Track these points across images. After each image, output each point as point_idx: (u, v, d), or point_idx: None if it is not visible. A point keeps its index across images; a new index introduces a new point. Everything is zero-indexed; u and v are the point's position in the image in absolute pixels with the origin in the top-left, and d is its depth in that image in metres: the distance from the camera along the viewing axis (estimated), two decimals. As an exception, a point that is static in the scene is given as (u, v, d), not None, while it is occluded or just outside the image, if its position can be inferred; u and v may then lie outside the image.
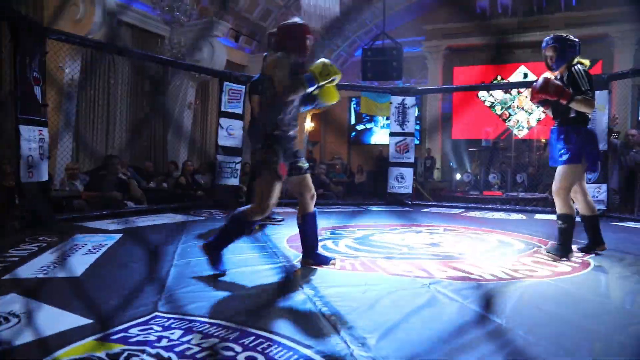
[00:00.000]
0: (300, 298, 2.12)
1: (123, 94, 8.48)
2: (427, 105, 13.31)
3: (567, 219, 3.10)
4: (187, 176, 7.59)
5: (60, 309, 1.87)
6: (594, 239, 3.25)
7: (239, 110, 6.49)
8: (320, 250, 2.99)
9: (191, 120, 9.64)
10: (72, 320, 1.75)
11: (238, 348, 1.52)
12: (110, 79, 8.21)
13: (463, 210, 6.64)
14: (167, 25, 8.93)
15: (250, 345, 1.54)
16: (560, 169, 3.13)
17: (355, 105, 13.89)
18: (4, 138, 5.12)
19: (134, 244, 3.43)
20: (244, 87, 6.52)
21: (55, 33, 4.70)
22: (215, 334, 1.63)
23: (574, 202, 3.27)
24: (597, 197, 5.89)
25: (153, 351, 1.49)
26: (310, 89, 2.57)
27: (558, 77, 3.18)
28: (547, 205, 6.52)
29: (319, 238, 3.80)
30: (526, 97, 12.03)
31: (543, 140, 10.90)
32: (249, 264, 2.81)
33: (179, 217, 4.97)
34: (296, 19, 2.79)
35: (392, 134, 7.35)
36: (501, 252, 3.37)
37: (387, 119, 7.77)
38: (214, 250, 2.58)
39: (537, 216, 5.90)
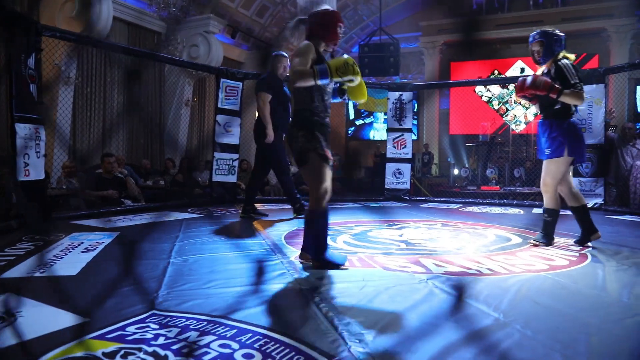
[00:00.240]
0: (297, 294, 2.11)
1: (120, 92, 8.45)
2: (424, 100, 13.30)
3: (552, 213, 3.27)
4: (184, 174, 7.59)
5: (56, 308, 1.86)
6: (587, 229, 3.29)
7: (236, 107, 6.48)
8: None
9: (188, 117, 9.63)
10: (68, 319, 1.74)
11: (235, 345, 1.51)
12: (106, 76, 8.18)
13: (461, 205, 6.65)
14: (164, 22, 8.90)
15: (247, 342, 1.54)
16: (546, 163, 3.24)
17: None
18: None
19: (130, 242, 3.43)
20: (240, 83, 6.51)
21: (50, 30, 4.68)
22: (212, 331, 1.63)
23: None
24: (594, 190, 5.91)
25: (150, 349, 1.48)
26: (321, 82, 2.53)
27: (545, 71, 3.24)
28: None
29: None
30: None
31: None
32: (247, 261, 2.80)
33: (176, 215, 4.96)
34: (327, 6, 2.76)
35: (389, 130, 7.35)
36: (498, 246, 3.37)
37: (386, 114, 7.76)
38: (320, 255, 2.61)
39: (535, 210, 5.91)
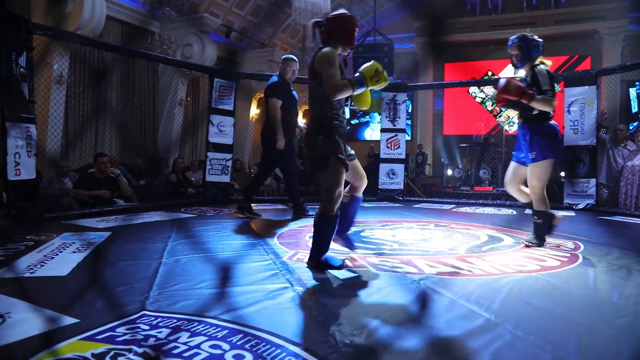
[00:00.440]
0: (289, 295, 2.11)
1: (113, 91, 8.41)
2: (418, 101, 13.33)
3: (542, 215, 3.34)
4: (177, 173, 7.56)
5: (46, 309, 1.84)
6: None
7: (230, 107, 6.46)
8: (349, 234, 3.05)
9: (182, 116, 9.59)
10: (57, 319, 1.73)
11: (226, 346, 1.51)
12: (99, 75, 8.13)
13: (454, 205, 6.66)
14: (158, 20, 8.87)
15: (238, 343, 1.53)
16: (532, 167, 3.29)
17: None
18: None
19: (123, 242, 3.40)
20: (234, 83, 6.48)
21: (41, 28, 4.64)
22: (203, 332, 1.62)
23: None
24: (586, 191, 5.95)
25: (140, 350, 1.47)
26: (357, 92, 2.57)
27: (524, 77, 3.36)
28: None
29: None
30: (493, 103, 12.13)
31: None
32: (239, 261, 2.79)
33: (169, 215, 4.94)
34: (343, 10, 2.77)
35: (383, 130, 7.36)
36: (491, 247, 3.38)
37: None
38: (319, 256, 2.62)
39: (528, 211, 5.91)
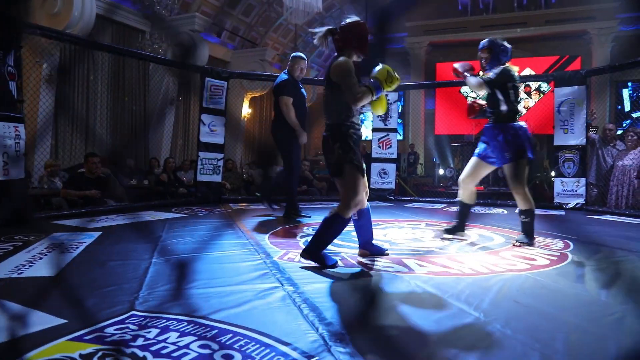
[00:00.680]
0: (279, 295, 2.10)
1: (103, 90, 8.35)
2: (410, 101, 13.37)
3: (528, 213, 3.39)
4: (169, 173, 7.52)
5: (33, 309, 1.82)
6: (460, 224, 3.66)
7: (221, 107, 6.44)
8: (374, 242, 3.04)
9: (173, 116, 9.55)
10: (45, 320, 1.71)
11: (215, 346, 1.50)
12: (89, 74, 8.08)
13: (445, 205, 6.69)
14: (148, 20, 8.81)
15: (227, 343, 1.53)
16: (508, 167, 3.36)
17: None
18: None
19: (112, 242, 3.38)
20: (225, 82, 6.47)
21: (30, 27, 4.60)
22: (192, 332, 1.61)
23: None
24: (576, 191, 5.99)
25: (128, 350, 1.46)
26: (376, 97, 2.62)
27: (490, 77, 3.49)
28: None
29: (307, 233, 3.80)
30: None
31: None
32: (229, 261, 2.78)
33: (160, 215, 4.91)
34: (356, 17, 2.79)
35: (374, 130, 7.37)
36: (482, 246, 3.40)
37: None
38: (316, 250, 2.64)
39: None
